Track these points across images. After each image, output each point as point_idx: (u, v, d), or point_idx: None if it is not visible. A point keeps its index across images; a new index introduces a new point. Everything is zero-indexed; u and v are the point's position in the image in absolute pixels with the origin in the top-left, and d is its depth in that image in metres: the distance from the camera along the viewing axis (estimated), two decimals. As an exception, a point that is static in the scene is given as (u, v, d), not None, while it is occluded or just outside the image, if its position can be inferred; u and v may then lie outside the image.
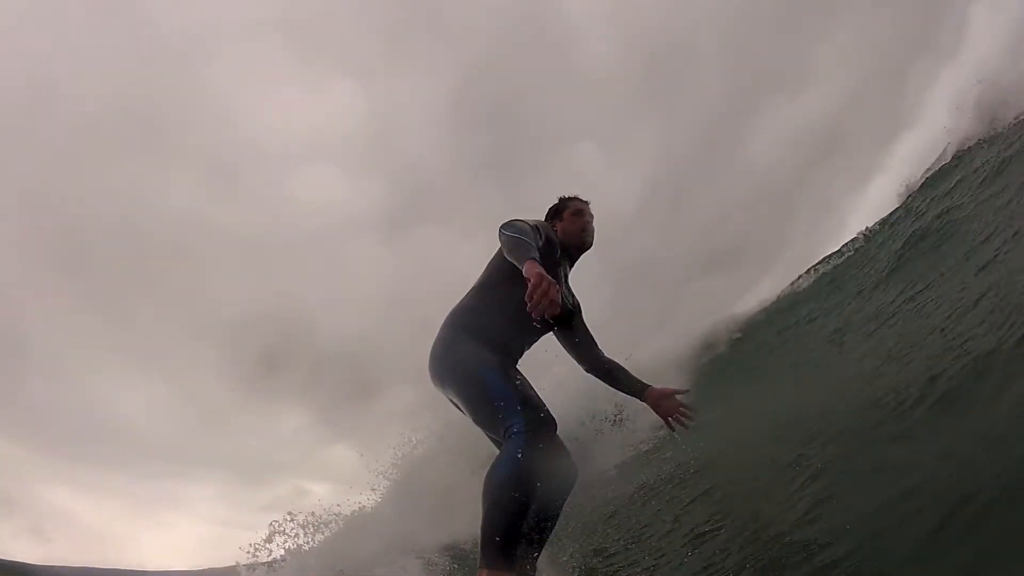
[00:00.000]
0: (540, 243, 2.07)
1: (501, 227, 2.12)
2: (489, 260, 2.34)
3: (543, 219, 2.48)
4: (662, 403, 2.28)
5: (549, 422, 1.98)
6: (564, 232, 2.42)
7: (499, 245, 2.18)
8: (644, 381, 2.35)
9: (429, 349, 2.26)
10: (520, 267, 1.89)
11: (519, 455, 1.84)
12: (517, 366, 2.26)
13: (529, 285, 1.75)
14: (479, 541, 1.80)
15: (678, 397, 2.29)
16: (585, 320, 2.45)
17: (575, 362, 2.47)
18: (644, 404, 2.33)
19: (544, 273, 1.78)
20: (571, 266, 2.47)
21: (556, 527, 2.22)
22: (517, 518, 1.81)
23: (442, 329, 2.26)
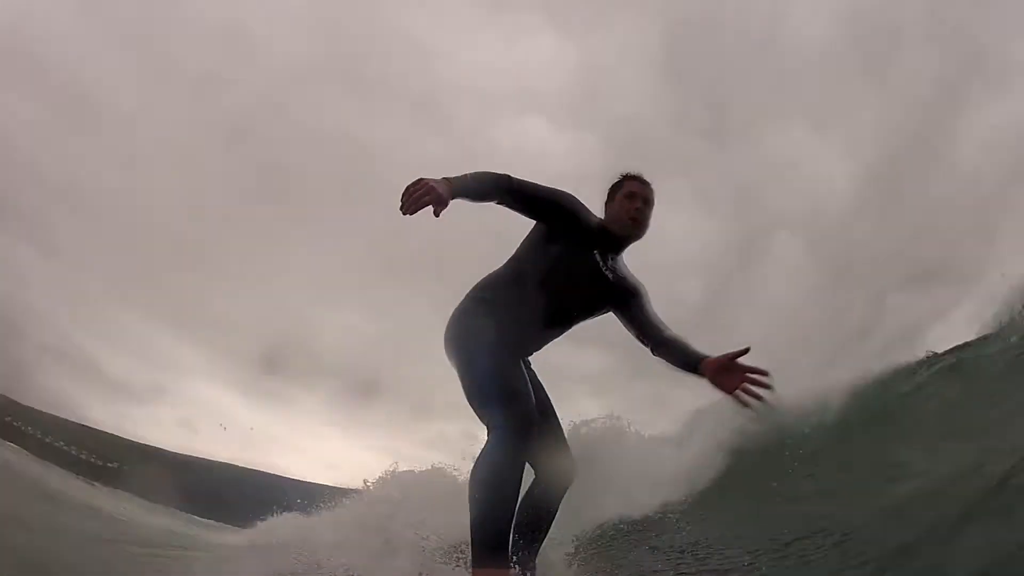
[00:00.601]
0: (557, 209, 2.08)
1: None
2: (527, 235, 2.21)
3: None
4: (723, 377, 1.95)
5: (533, 419, 1.88)
6: (610, 215, 2.24)
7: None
8: (701, 352, 2.06)
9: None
10: None
11: (500, 451, 1.79)
12: (530, 356, 2.20)
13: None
14: (471, 541, 1.76)
15: (740, 362, 1.92)
16: (648, 305, 2.23)
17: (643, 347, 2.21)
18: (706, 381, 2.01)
19: (425, 178, 1.72)
20: (618, 253, 2.25)
21: (553, 524, 2.18)
22: (506, 513, 1.77)
23: (464, 299, 2.17)
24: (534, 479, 2.10)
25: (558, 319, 2.20)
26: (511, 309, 2.07)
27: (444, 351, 2.11)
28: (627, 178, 2.26)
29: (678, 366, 2.12)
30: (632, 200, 2.20)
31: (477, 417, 1.98)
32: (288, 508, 4.38)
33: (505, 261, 2.23)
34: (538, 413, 1.93)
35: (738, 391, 1.91)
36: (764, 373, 1.90)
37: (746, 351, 1.93)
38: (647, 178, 2.26)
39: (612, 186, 2.28)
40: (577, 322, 2.25)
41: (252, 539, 4.47)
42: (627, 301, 2.23)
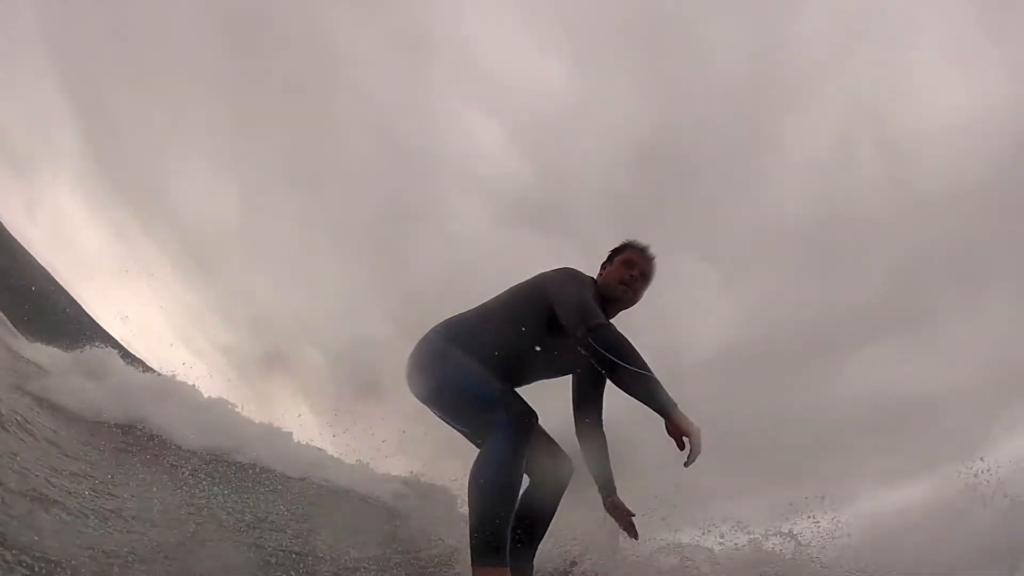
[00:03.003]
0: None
1: (592, 328, 1.85)
2: (514, 289, 2.17)
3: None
4: (618, 514, 2.27)
5: (530, 411, 1.90)
6: (605, 279, 2.20)
7: (533, 278, 2.13)
8: (613, 483, 2.28)
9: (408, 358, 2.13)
10: (657, 410, 1.78)
11: (503, 445, 1.80)
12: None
13: (690, 441, 1.74)
14: (470, 538, 1.77)
15: (631, 519, 2.27)
16: (602, 392, 2.28)
17: (572, 413, 2.30)
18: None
19: (698, 432, 1.76)
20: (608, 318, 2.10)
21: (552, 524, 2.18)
22: (506, 510, 1.77)
23: (428, 342, 2.10)
24: (530, 482, 2.10)
25: (542, 371, 2.20)
26: (492, 351, 2.02)
27: (410, 387, 2.10)
28: (629, 245, 2.24)
29: (592, 470, 2.28)
30: (630, 268, 2.18)
31: (471, 431, 2.01)
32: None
33: (479, 308, 2.18)
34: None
35: (625, 527, 2.27)
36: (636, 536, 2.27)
37: (634, 515, 2.28)
38: (653, 252, 2.22)
39: (614, 250, 2.27)
40: (558, 375, 2.28)
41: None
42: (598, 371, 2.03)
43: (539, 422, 1.93)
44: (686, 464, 1.75)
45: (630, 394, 1.83)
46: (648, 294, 2.24)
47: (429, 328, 2.15)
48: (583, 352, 1.87)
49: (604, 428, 2.30)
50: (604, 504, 2.28)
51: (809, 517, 2.73)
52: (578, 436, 2.28)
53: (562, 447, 2.19)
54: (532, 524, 2.10)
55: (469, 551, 1.77)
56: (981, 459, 2.75)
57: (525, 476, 1.90)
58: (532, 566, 2.13)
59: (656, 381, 1.79)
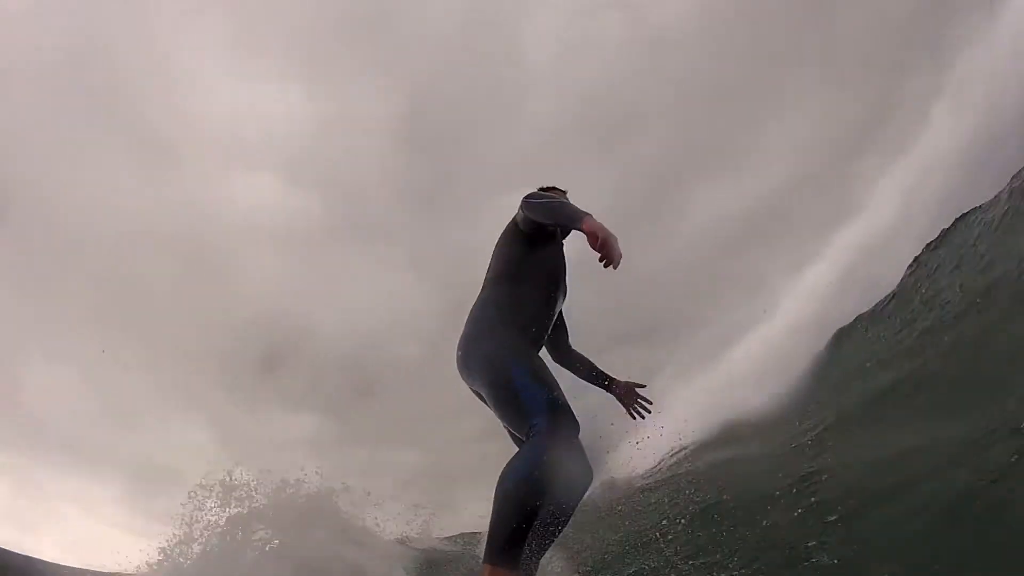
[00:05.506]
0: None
1: (526, 198, 2.21)
2: (497, 251, 2.36)
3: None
4: (627, 396, 2.45)
5: (574, 423, 1.95)
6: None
7: (498, 237, 2.35)
8: (607, 374, 2.50)
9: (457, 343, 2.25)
10: (573, 225, 1.98)
11: (541, 453, 1.81)
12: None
13: (599, 239, 1.85)
14: (488, 536, 1.75)
15: (639, 390, 2.47)
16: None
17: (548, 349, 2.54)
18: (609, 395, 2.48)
19: (605, 227, 1.89)
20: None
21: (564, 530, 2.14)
22: (529, 517, 1.75)
23: (468, 324, 2.25)
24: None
25: (550, 316, 2.34)
26: (521, 319, 2.19)
27: (461, 376, 2.23)
28: (550, 188, 2.53)
29: (587, 380, 2.51)
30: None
31: (514, 429, 2.07)
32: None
33: (488, 280, 2.34)
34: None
35: (633, 408, 2.46)
36: (651, 402, 2.48)
37: (643, 386, 2.49)
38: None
39: (540, 190, 2.50)
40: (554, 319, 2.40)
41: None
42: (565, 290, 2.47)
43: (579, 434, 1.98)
44: (606, 265, 1.90)
45: (547, 220, 2.14)
46: None
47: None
48: (523, 213, 2.21)
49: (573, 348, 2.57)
50: (613, 393, 2.47)
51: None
52: (562, 365, 2.54)
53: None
54: (547, 528, 2.04)
55: (485, 545, 1.75)
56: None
57: None
58: (537, 568, 2.07)
59: (567, 203, 2.16)
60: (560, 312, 2.50)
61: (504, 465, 1.83)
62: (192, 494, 4.96)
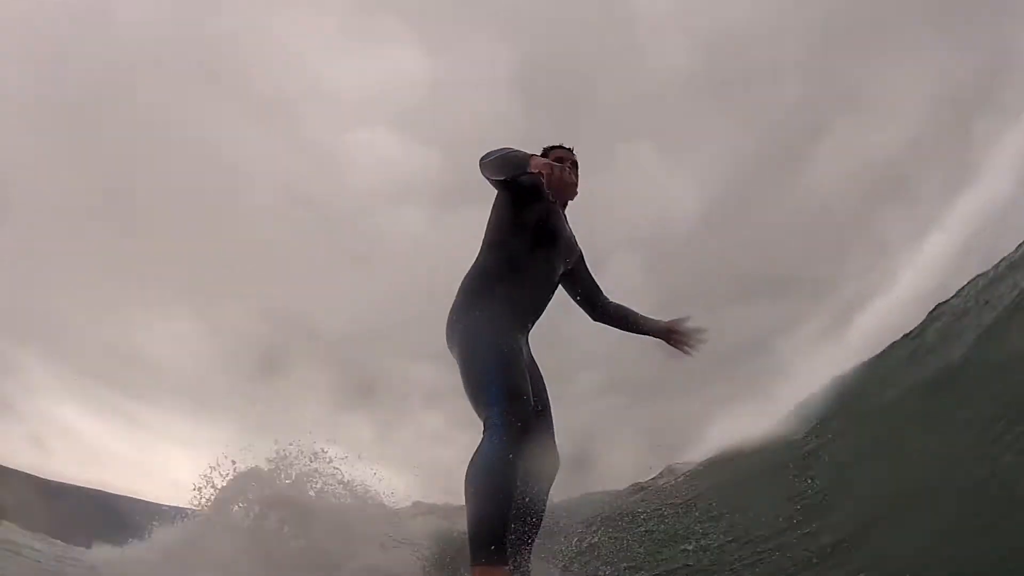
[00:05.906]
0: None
1: (480, 160, 2.14)
2: (488, 218, 2.31)
3: None
4: (677, 335, 2.38)
5: (528, 414, 1.90)
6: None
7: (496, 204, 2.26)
8: (652, 319, 2.43)
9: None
10: (522, 171, 1.96)
11: (498, 445, 1.79)
12: (528, 334, 2.21)
13: (543, 177, 1.83)
14: (468, 539, 1.74)
15: (685, 326, 2.39)
16: (588, 267, 2.47)
17: (585, 313, 2.49)
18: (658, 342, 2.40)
19: (550, 161, 1.86)
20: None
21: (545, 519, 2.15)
22: (503, 508, 1.74)
23: (457, 294, 2.22)
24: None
25: (549, 279, 2.29)
26: (508, 286, 2.14)
27: (448, 344, 2.17)
28: (551, 148, 2.42)
29: (635, 331, 2.45)
30: (561, 163, 2.23)
31: (472, 407, 1.98)
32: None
33: (480, 251, 2.28)
34: (533, 406, 1.95)
35: (684, 346, 2.38)
36: (702, 330, 2.39)
37: (688, 319, 2.41)
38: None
39: (544, 149, 2.43)
40: (558, 283, 2.36)
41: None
42: (579, 256, 2.43)
43: (534, 423, 1.93)
44: (552, 199, 1.96)
45: (500, 175, 2.11)
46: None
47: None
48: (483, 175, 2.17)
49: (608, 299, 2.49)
50: (662, 338, 2.40)
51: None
52: (602, 321, 2.48)
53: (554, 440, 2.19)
54: (523, 518, 2.04)
55: (468, 550, 1.73)
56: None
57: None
58: (530, 562, 2.08)
59: (513, 151, 2.05)
60: (584, 271, 2.45)
61: (467, 465, 1.81)
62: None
